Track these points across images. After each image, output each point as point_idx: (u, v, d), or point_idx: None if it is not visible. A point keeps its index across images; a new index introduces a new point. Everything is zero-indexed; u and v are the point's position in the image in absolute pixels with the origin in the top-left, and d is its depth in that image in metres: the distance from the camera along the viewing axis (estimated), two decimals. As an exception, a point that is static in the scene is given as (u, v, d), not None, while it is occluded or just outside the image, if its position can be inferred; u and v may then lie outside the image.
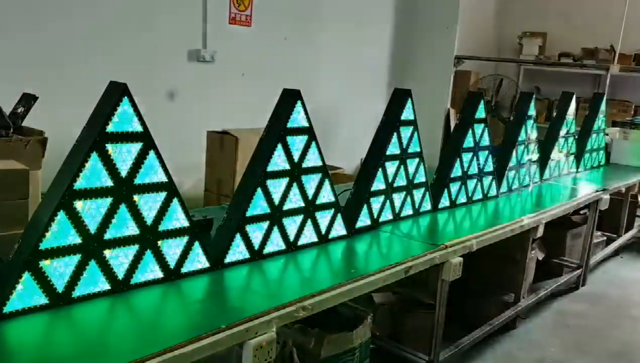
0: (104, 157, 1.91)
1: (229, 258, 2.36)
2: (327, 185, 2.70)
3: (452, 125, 7.27)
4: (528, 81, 8.85)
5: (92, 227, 1.92)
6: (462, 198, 3.73)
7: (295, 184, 2.55)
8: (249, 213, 2.39)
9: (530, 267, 4.13)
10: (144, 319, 1.95)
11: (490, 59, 8.52)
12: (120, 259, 2.02)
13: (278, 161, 2.46)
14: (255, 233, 2.44)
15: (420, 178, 3.31)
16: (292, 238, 2.60)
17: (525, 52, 8.68)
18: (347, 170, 6.12)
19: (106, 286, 1.99)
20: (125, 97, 1.94)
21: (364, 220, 2.99)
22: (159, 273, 2.13)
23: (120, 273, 2.02)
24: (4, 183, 2.43)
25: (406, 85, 3.31)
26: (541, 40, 8.65)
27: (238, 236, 2.37)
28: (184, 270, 2.21)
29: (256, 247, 2.45)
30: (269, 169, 2.43)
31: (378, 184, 3.03)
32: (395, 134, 3.05)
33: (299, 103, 2.50)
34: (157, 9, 4.80)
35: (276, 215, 2.50)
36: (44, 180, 2.81)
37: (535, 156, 4.55)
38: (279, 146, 2.45)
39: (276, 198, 2.48)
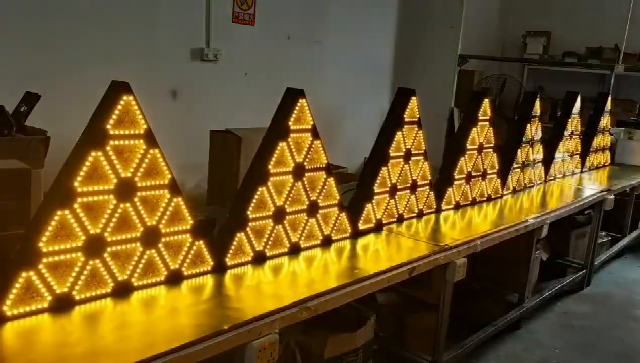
0: (106, 156, 1.90)
1: (232, 258, 2.35)
2: (330, 184, 2.69)
3: (456, 124, 7.25)
4: (532, 80, 8.81)
5: (94, 227, 1.91)
6: (467, 199, 3.71)
7: (298, 184, 2.53)
8: (251, 214, 2.38)
9: (535, 267, 4.11)
10: (145, 320, 1.94)
11: (494, 58, 8.49)
12: (121, 260, 2.00)
13: (281, 161, 2.45)
14: (258, 233, 2.43)
15: (424, 178, 3.29)
16: (295, 238, 2.58)
17: (530, 51, 8.64)
18: (351, 169, 6.10)
19: (107, 287, 1.98)
20: (127, 96, 1.93)
21: (367, 220, 2.98)
22: (160, 274, 2.12)
23: (121, 274, 2.01)
24: (6, 183, 2.41)
25: (410, 84, 3.28)
26: (545, 40, 8.62)
27: (241, 236, 2.36)
28: (186, 270, 2.20)
29: (259, 247, 2.44)
30: (272, 168, 2.42)
31: (382, 184, 3.01)
32: (399, 133, 3.03)
33: (302, 102, 2.48)
34: (160, 8, 4.79)
35: (279, 215, 2.48)
36: (47, 180, 2.79)
37: (539, 156, 4.53)
38: (282, 145, 2.44)
39: (279, 198, 2.47)
